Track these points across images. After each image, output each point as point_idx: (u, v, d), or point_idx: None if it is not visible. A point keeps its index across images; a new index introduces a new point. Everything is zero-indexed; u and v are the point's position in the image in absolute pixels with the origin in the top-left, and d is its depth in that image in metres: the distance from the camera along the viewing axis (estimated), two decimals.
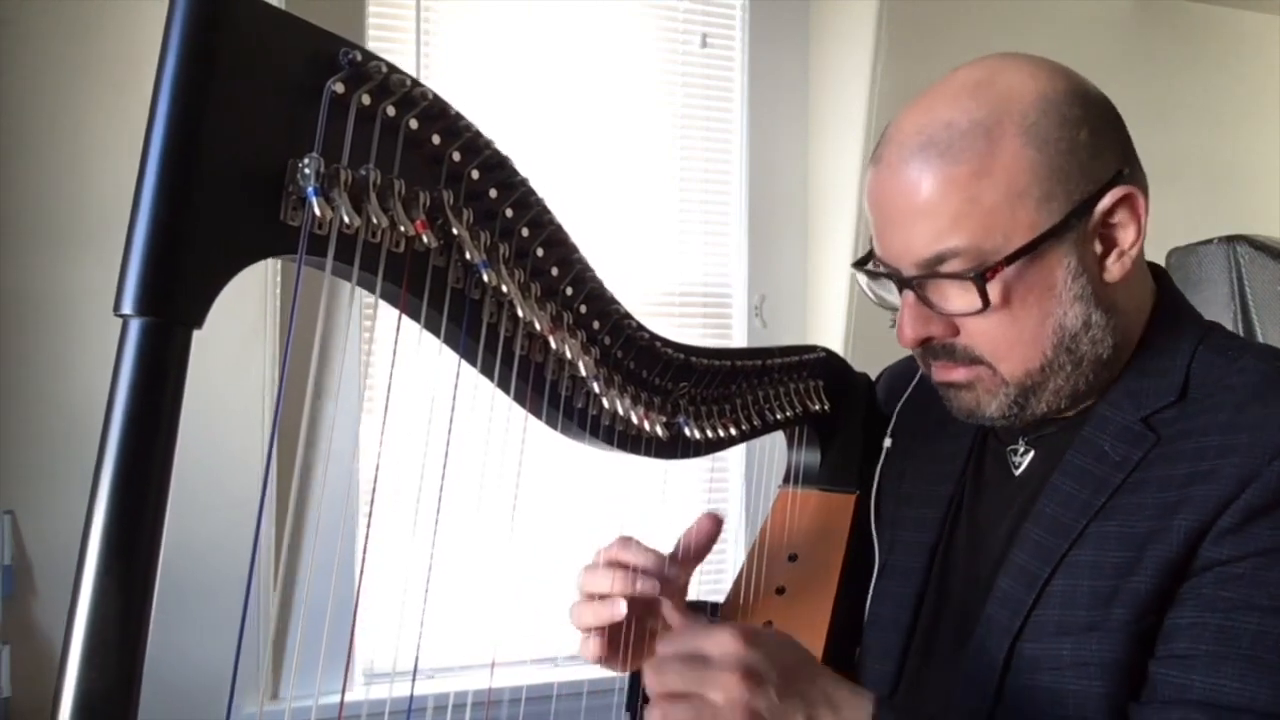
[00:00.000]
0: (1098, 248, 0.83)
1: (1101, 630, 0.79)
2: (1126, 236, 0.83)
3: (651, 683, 0.75)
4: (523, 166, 0.76)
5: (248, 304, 1.89)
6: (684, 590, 0.99)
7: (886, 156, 0.85)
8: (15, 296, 1.82)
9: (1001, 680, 0.83)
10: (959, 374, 0.87)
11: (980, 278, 0.80)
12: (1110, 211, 0.82)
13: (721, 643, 0.74)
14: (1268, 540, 0.75)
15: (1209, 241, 1.88)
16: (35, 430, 1.83)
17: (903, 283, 0.85)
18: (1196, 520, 0.77)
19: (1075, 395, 0.87)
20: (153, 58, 0.52)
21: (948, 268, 0.82)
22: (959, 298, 0.83)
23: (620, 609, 0.87)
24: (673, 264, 2.36)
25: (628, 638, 0.91)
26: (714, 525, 0.97)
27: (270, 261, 0.99)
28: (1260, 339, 1.77)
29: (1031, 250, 0.80)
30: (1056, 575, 0.82)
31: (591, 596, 0.90)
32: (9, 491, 1.83)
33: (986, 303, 0.81)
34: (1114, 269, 0.84)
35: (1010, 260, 0.80)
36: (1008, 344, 0.84)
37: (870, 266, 0.89)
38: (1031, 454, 0.92)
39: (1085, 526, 0.82)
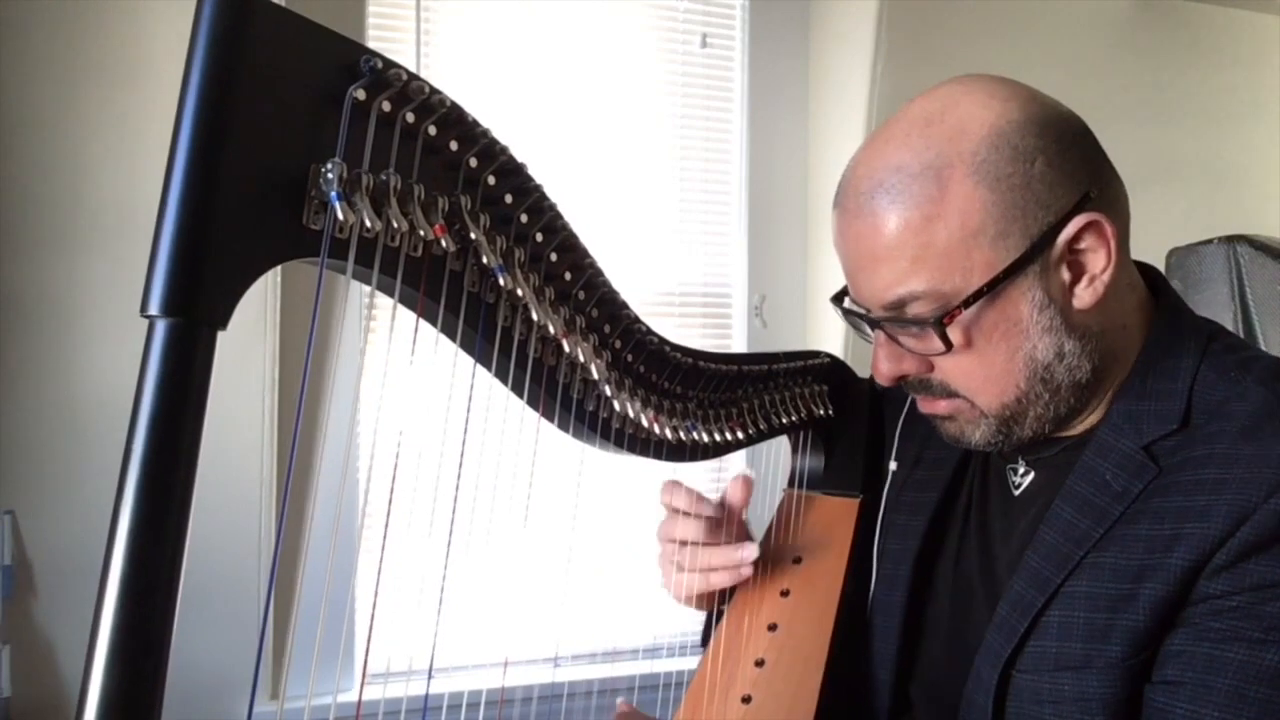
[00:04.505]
0: (1065, 276, 0.81)
1: (1098, 668, 0.79)
2: (1097, 261, 0.81)
3: None
4: (532, 171, 0.77)
5: (248, 304, 1.87)
6: (743, 527, 1.09)
7: (844, 202, 0.85)
8: (16, 297, 1.82)
9: (999, 708, 0.83)
10: (940, 406, 0.88)
11: (939, 323, 0.80)
12: (1076, 239, 0.80)
13: None
14: (1261, 576, 0.75)
15: (1209, 241, 1.89)
16: (35, 430, 1.83)
17: (872, 323, 0.86)
18: (1192, 559, 0.76)
19: (1059, 419, 0.86)
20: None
21: (911, 310, 0.81)
22: (925, 339, 0.82)
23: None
24: (673, 264, 2.35)
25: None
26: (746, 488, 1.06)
27: None
28: (1260, 339, 1.78)
29: (990, 290, 0.79)
30: (1052, 605, 0.82)
31: (682, 567, 1.03)
32: (9, 491, 1.83)
33: (949, 346, 0.81)
34: (1085, 295, 0.82)
35: (969, 303, 0.79)
36: (980, 380, 0.84)
37: (846, 305, 0.90)
38: (1031, 475, 0.92)
39: (1083, 557, 0.81)
